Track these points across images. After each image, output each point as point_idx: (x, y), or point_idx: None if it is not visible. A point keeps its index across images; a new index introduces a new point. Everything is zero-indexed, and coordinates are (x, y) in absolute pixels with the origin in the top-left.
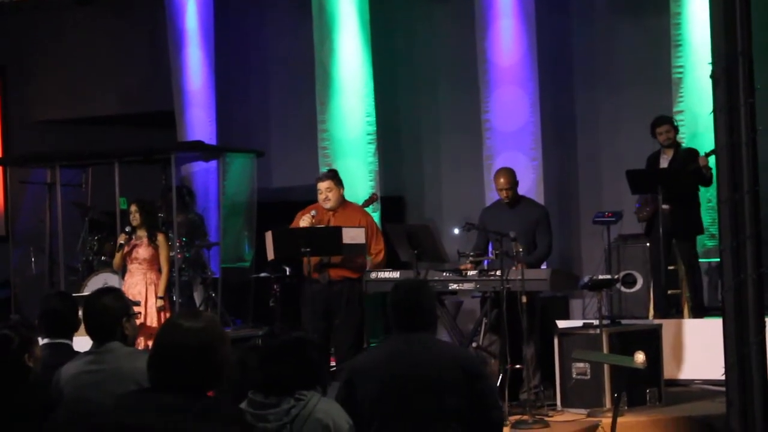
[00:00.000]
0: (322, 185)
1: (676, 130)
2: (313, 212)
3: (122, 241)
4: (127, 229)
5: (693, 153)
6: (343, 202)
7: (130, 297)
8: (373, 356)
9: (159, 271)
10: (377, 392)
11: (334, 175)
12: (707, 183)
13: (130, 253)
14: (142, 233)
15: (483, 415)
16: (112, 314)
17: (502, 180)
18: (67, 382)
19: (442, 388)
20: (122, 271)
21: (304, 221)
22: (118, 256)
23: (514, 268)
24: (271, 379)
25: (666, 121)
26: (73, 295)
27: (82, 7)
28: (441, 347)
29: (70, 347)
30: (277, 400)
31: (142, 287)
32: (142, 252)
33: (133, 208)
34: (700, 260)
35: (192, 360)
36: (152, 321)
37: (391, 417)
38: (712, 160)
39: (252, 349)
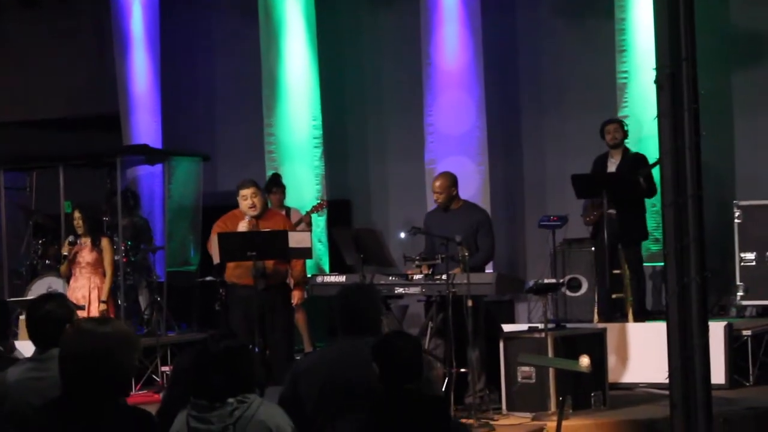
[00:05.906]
0: (247, 191)
1: (624, 133)
2: (247, 217)
3: (66, 252)
4: (71, 238)
5: (641, 158)
6: (266, 209)
7: (74, 301)
8: (317, 358)
9: (103, 274)
10: (319, 393)
11: (256, 182)
12: (648, 195)
13: (74, 258)
14: (86, 239)
15: None
16: (55, 320)
17: (436, 184)
18: (11, 387)
19: None
20: (69, 278)
21: (242, 226)
22: (64, 265)
23: (453, 271)
24: (208, 388)
25: (615, 122)
26: (17, 299)
27: (27, 8)
28: None
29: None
30: (221, 402)
31: (86, 291)
32: (86, 256)
33: (77, 215)
34: (644, 264)
35: (97, 366)
36: None
37: (332, 418)
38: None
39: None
